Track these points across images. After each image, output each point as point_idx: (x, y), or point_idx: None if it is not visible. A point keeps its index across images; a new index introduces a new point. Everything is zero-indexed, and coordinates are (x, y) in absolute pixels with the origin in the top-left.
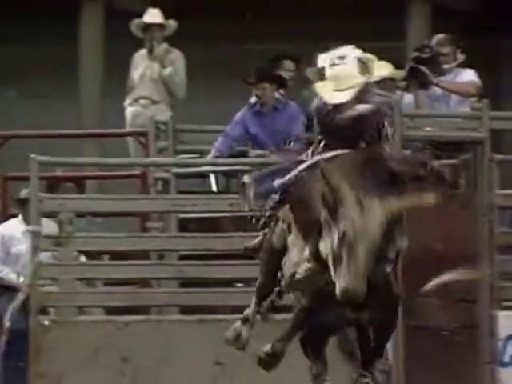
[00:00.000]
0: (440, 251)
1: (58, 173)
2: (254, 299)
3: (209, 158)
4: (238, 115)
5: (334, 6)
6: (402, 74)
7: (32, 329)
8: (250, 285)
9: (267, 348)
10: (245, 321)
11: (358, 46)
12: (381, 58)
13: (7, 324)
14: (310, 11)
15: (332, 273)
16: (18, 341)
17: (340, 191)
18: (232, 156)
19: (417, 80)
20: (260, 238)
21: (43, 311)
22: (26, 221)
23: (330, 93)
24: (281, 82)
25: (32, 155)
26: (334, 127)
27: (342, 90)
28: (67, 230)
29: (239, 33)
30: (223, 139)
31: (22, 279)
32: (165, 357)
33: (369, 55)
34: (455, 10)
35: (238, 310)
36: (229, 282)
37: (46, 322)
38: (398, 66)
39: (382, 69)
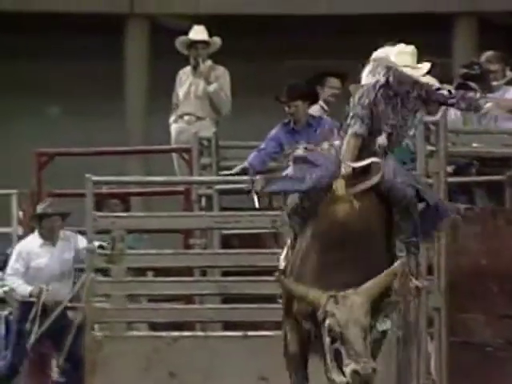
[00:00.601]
0: (486, 267)
1: (104, 190)
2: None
3: (236, 169)
4: (273, 132)
5: (380, 22)
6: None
7: (87, 344)
8: None
9: None
10: None
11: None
12: (427, 73)
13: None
14: (354, 28)
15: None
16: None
17: (309, 296)
18: (269, 171)
19: (478, 81)
20: (283, 260)
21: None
22: (43, 236)
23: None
24: (314, 99)
25: (87, 174)
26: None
27: (415, 68)
28: (119, 247)
29: (283, 49)
30: (256, 154)
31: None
32: (210, 372)
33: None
34: (502, 26)
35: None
36: (271, 298)
37: (100, 337)
38: (443, 82)
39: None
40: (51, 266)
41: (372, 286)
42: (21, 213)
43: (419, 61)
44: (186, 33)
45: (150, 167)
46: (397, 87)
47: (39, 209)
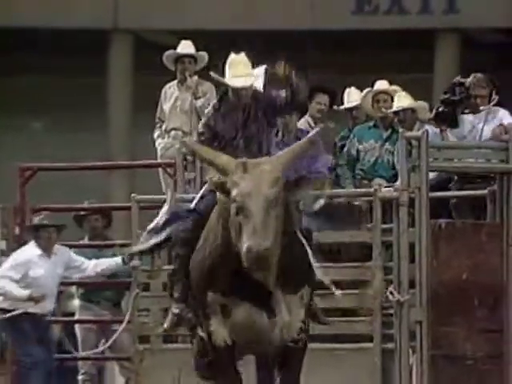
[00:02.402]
0: (467, 282)
1: (86, 205)
2: None
3: None
4: None
5: (364, 38)
6: (425, 105)
7: (133, 356)
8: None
9: None
10: None
11: (386, 78)
12: (405, 89)
13: None
14: (337, 44)
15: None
16: None
17: (218, 161)
18: None
19: (444, 123)
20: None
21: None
22: (41, 246)
23: (230, 80)
24: (304, 112)
25: (133, 194)
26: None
27: (241, 76)
28: (157, 263)
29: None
30: None
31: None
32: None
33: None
34: (484, 43)
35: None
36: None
37: (142, 349)
38: (425, 98)
39: (403, 100)
40: (46, 278)
41: (285, 154)
42: (16, 228)
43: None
44: (169, 48)
45: (135, 182)
46: (236, 101)
47: (36, 220)
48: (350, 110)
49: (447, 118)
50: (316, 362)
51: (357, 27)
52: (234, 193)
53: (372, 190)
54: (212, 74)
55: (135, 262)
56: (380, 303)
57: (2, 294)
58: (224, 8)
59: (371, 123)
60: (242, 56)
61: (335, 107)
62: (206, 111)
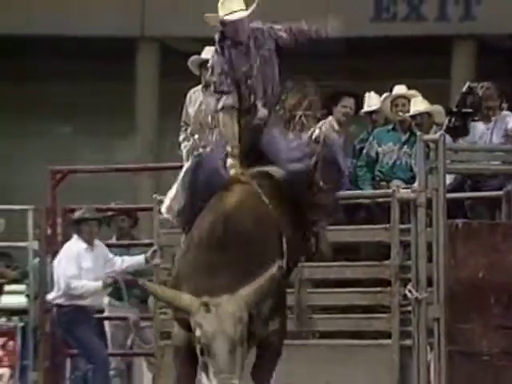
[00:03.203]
0: (483, 280)
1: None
2: None
3: None
4: None
5: (384, 45)
6: (440, 109)
7: (155, 352)
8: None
9: None
10: None
11: (403, 84)
12: (422, 94)
13: None
14: (360, 50)
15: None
16: None
17: (181, 303)
18: None
19: (456, 135)
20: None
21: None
22: (84, 240)
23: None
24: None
25: (154, 195)
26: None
27: (233, 12)
28: None
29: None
30: None
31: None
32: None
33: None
34: (501, 49)
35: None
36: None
37: (163, 346)
38: (442, 103)
39: (419, 104)
40: (94, 270)
41: (249, 292)
42: (48, 229)
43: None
44: (193, 54)
45: (160, 183)
46: (235, 37)
47: (77, 214)
48: (370, 113)
49: (459, 131)
50: (335, 358)
51: (375, 34)
52: (197, 333)
53: (390, 191)
54: (206, 15)
55: (156, 261)
56: (398, 301)
57: (83, 292)
58: None
59: (390, 126)
60: None
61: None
62: (210, 62)
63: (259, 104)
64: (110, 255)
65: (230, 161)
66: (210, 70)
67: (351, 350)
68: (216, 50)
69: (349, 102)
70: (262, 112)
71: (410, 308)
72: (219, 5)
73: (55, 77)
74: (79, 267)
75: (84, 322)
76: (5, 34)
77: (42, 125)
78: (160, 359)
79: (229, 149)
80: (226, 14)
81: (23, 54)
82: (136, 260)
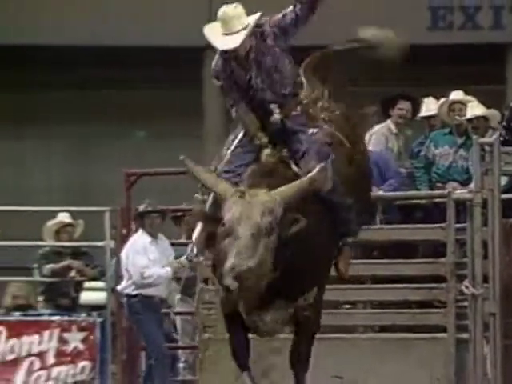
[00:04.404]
0: None
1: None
2: None
3: None
4: None
5: (441, 53)
6: (496, 113)
7: (199, 345)
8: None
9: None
10: None
11: (459, 90)
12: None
13: None
14: (417, 58)
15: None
16: None
17: (217, 188)
18: None
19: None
20: None
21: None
22: (148, 233)
23: (219, 38)
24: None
25: (196, 195)
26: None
27: (232, 34)
28: None
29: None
30: None
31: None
32: None
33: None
34: None
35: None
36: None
37: (207, 338)
38: (497, 109)
39: (476, 108)
40: (160, 261)
41: (286, 189)
42: (123, 229)
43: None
44: None
45: None
46: (234, 52)
47: (141, 208)
48: (428, 118)
49: (510, 144)
50: (390, 351)
51: (432, 42)
52: (225, 217)
53: (446, 192)
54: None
55: (198, 258)
56: (454, 296)
57: (156, 279)
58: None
59: (447, 130)
60: (234, 8)
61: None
62: (213, 68)
63: (273, 107)
64: (173, 254)
65: (266, 150)
66: (213, 75)
67: (407, 343)
68: (218, 61)
69: (405, 105)
70: (275, 118)
71: (465, 303)
72: (218, 19)
73: (131, 85)
74: (147, 258)
75: (149, 311)
76: (94, 45)
77: (119, 129)
78: (203, 352)
79: (258, 141)
80: (226, 34)
81: (105, 66)
82: (164, 272)
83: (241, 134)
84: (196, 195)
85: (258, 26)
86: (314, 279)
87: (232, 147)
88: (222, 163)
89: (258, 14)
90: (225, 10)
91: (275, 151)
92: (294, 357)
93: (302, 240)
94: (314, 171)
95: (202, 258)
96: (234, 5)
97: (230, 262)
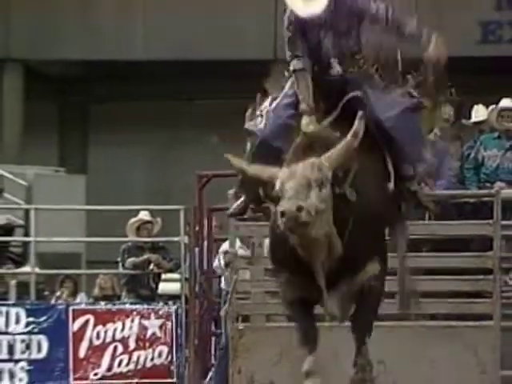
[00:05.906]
0: None
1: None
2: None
3: None
4: None
5: (491, 64)
6: None
7: (231, 334)
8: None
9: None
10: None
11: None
12: None
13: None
14: (469, 68)
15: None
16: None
17: (268, 173)
18: None
19: None
20: None
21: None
22: None
23: (299, 3)
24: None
25: (230, 191)
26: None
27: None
28: (257, 251)
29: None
30: None
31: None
32: (333, 360)
33: None
34: None
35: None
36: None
37: (241, 328)
38: None
39: None
40: None
41: (332, 153)
42: (196, 226)
43: None
44: None
45: None
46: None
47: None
48: (477, 124)
49: None
50: (438, 338)
51: (483, 54)
52: (277, 184)
53: (494, 191)
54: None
55: (233, 250)
56: (499, 287)
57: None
58: None
59: (495, 134)
60: None
61: (464, 121)
62: (285, 21)
63: (334, 62)
64: None
65: (305, 118)
66: (285, 27)
67: (454, 331)
68: (286, 17)
69: (447, 109)
70: (336, 69)
71: (510, 294)
72: None
73: (208, 96)
74: None
75: None
76: (179, 60)
77: (195, 135)
78: (237, 340)
79: (303, 107)
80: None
81: (182, 78)
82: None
83: (283, 93)
84: (230, 191)
85: None
86: (376, 242)
87: (273, 105)
88: (258, 123)
89: None
90: None
91: (315, 119)
92: (355, 323)
93: (360, 192)
94: (355, 124)
95: (235, 250)
96: None
97: (281, 208)
